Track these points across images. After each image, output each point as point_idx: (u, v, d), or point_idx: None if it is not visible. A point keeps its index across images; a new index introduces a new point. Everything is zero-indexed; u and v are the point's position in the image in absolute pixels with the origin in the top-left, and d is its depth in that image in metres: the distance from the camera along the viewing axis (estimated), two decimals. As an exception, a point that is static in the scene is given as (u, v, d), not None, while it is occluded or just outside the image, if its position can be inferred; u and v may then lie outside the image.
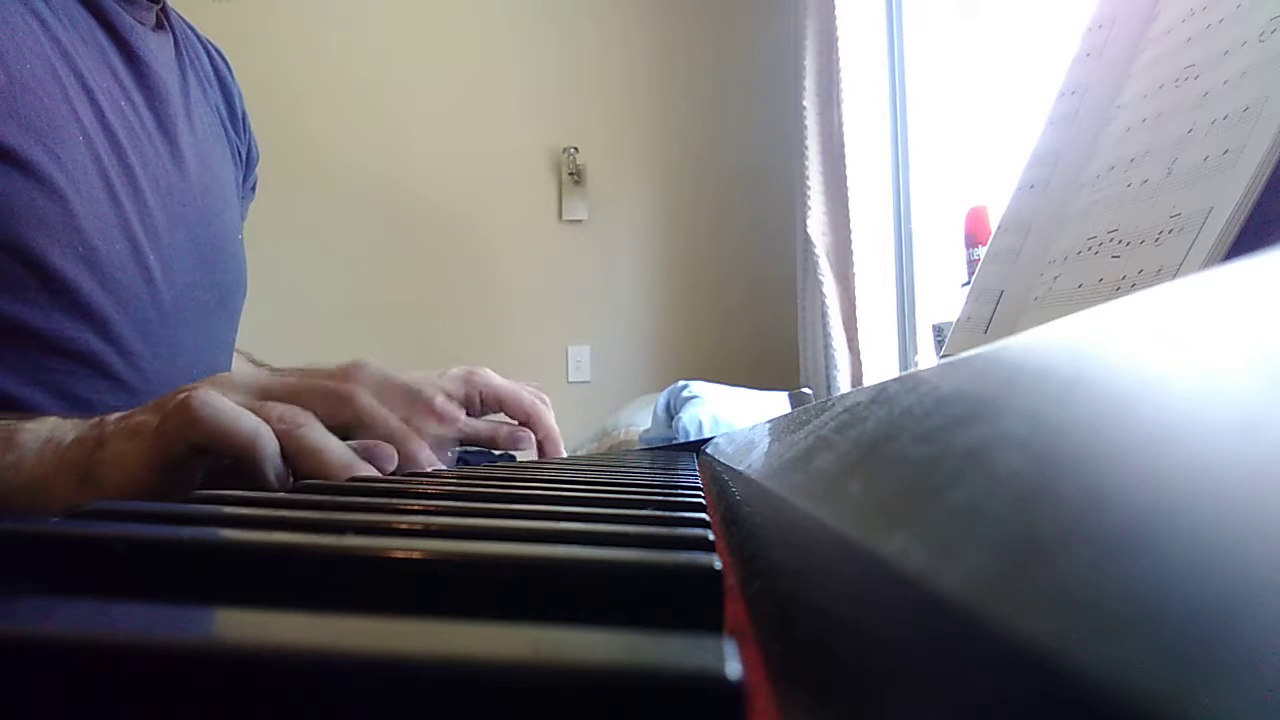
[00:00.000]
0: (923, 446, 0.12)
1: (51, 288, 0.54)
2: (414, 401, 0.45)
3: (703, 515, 0.22)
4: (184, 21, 0.74)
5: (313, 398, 0.42)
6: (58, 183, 0.54)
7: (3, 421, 0.43)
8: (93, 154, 0.57)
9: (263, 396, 0.41)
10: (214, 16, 0.73)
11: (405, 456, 0.43)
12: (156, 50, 0.66)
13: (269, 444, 0.38)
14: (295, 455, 0.39)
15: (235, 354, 0.77)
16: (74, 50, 0.58)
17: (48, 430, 0.42)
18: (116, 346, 0.57)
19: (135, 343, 0.59)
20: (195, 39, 0.76)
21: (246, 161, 0.83)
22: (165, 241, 0.62)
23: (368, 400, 0.43)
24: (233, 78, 0.81)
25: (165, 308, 0.62)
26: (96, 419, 0.43)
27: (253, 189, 0.87)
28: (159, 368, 0.61)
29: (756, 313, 2.48)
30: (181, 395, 0.38)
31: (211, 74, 0.77)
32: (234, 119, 0.80)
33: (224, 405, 0.38)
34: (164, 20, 0.69)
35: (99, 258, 0.56)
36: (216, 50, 0.80)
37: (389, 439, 0.42)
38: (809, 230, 2.06)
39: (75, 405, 0.55)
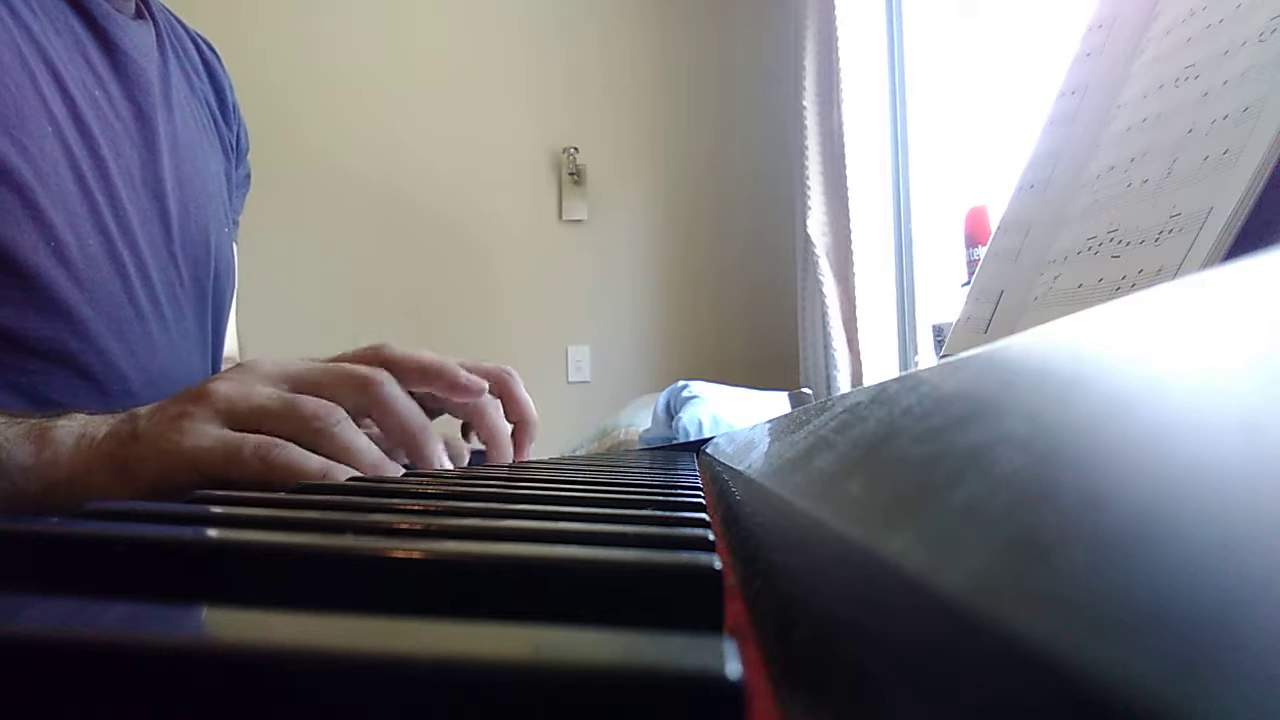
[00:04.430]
0: (923, 447, 0.12)
1: (22, 284, 0.52)
2: (439, 377, 0.47)
3: (703, 515, 0.22)
4: (169, 13, 0.72)
5: (339, 387, 0.44)
6: (23, 175, 0.52)
7: (33, 420, 0.44)
8: (63, 145, 0.55)
9: (292, 385, 0.44)
10: (211, 12, 0.72)
11: (418, 456, 0.44)
12: (135, 39, 0.64)
13: (341, 479, 0.40)
14: (329, 456, 0.42)
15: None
16: (45, 39, 0.56)
17: (79, 426, 0.43)
18: (91, 345, 0.56)
19: (110, 341, 0.57)
20: (182, 30, 0.74)
21: (237, 150, 0.80)
22: (141, 236, 0.60)
23: (341, 436, 0.43)
24: (222, 68, 0.79)
25: (141, 304, 0.60)
26: (126, 413, 0.44)
27: (247, 178, 0.84)
28: (136, 366, 0.59)
29: (756, 313, 2.48)
30: (264, 444, 0.41)
31: (199, 65, 0.75)
32: (224, 110, 0.78)
33: (297, 457, 0.41)
34: (144, 9, 0.67)
35: (70, 253, 0.54)
36: (205, 41, 0.78)
37: (404, 437, 0.43)
38: (809, 230, 2.06)
39: (48, 407, 0.54)
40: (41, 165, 0.53)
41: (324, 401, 0.43)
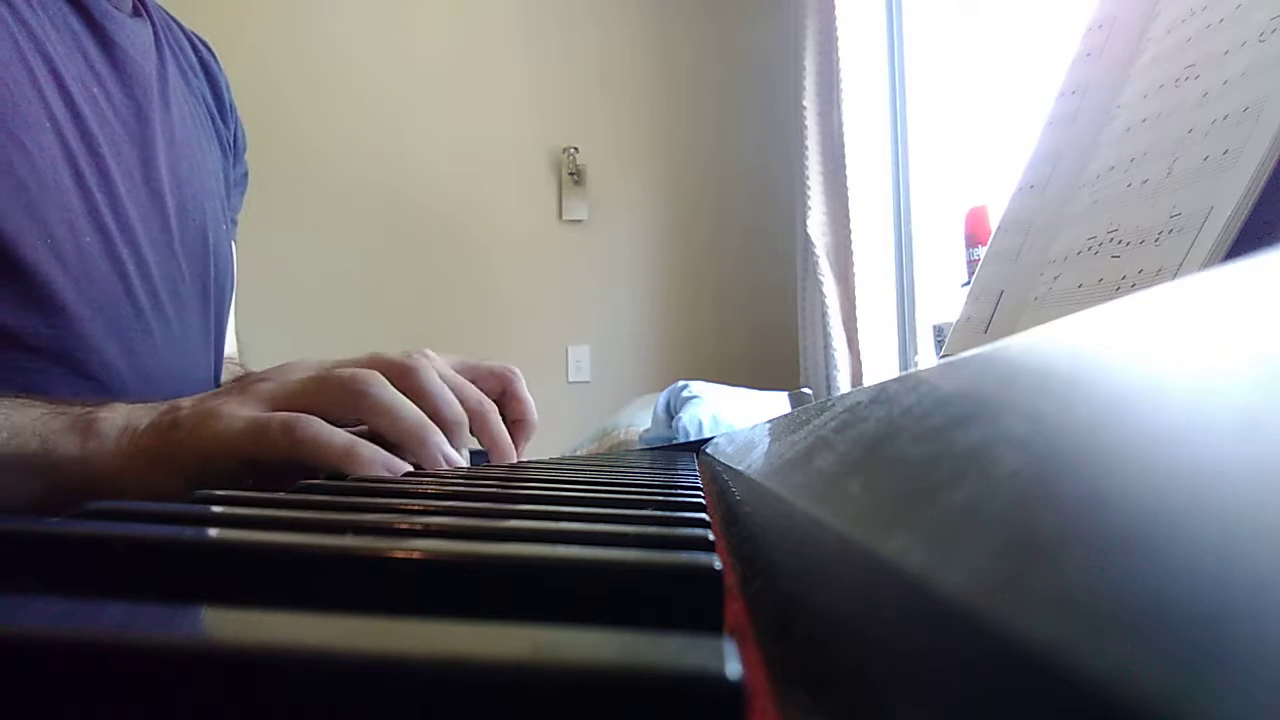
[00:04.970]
0: (922, 446, 0.12)
1: (18, 281, 0.52)
2: (454, 395, 0.48)
3: (703, 515, 0.22)
4: (165, 12, 0.72)
5: (322, 396, 0.44)
6: (21, 172, 0.52)
7: (77, 411, 0.44)
8: (61, 143, 0.55)
9: (271, 404, 0.44)
10: (209, 11, 0.71)
11: (420, 453, 0.45)
12: (133, 36, 0.64)
13: (365, 454, 0.41)
14: (367, 419, 0.43)
15: (226, 361, 0.75)
16: (44, 35, 0.56)
17: (122, 419, 0.44)
18: (87, 343, 0.55)
19: (107, 339, 0.57)
20: (178, 29, 0.74)
21: (234, 149, 0.80)
22: (141, 233, 0.60)
23: (383, 396, 0.44)
24: (219, 67, 0.79)
25: (141, 303, 0.60)
26: (168, 404, 0.45)
27: (244, 177, 0.84)
28: (134, 365, 0.59)
29: (756, 313, 2.48)
30: (290, 419, 0.41)
31: (196, 64, 0.75)
32: (222, 108, 0.78)
33: (322, 431, 0.41)
34: (141, 7, 0.67)
35: (66, 250, 0.54)
36: (201, 40, 0.78)
37: (401, 436, 0.43)
38: (809, 230, 2.06)
39: None
40: (39, 162, 0.53)
41: (359, 369, 0.44)
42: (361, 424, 0.44)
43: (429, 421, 0.44)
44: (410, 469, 0.43)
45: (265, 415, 0.42)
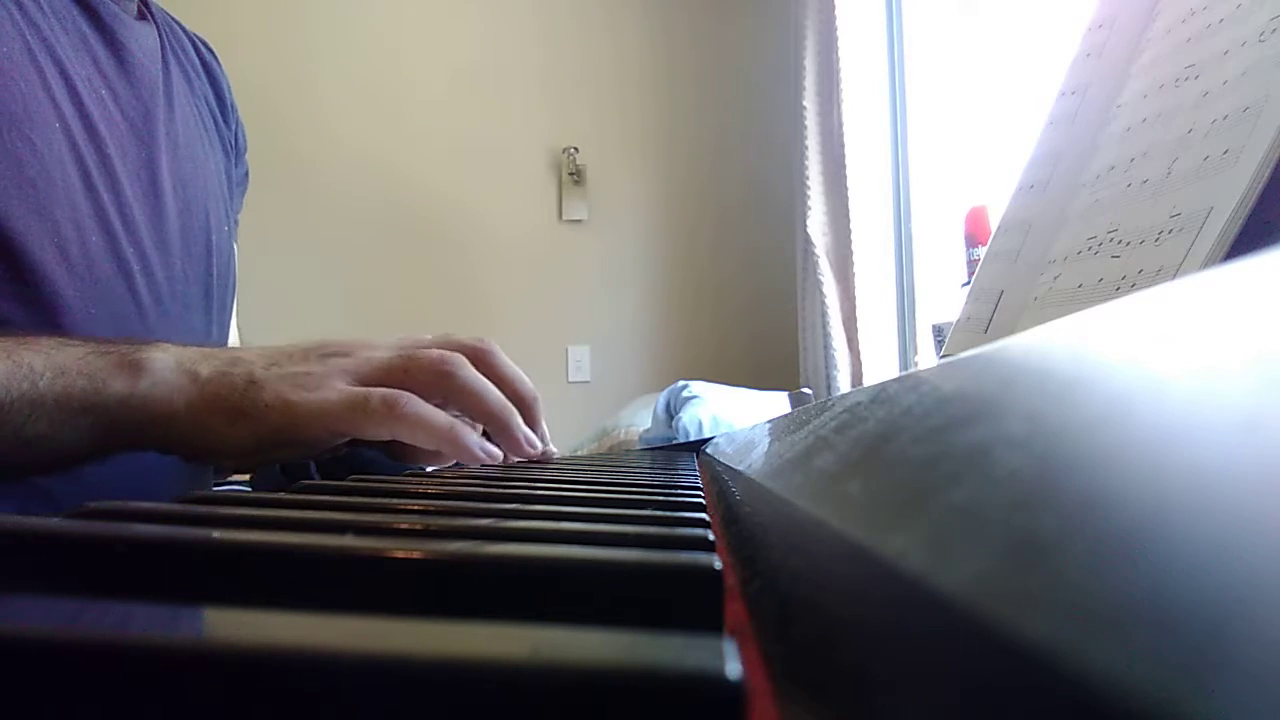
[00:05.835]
0: (922, 447, 0.12)
1: (24, 280, 0.52)
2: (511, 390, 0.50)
3: (703, 515, 0.22)
4: (166, 13, 0.73)
5: (410, 376, 0.45)
6: (30, 171, 0.52)
7: (118, 349, 0.44)
8: (70, 143, 0.55)
9: (358, 379, 0.45)
10: (206, 10, 0.71)
11: (505, 434, 0.47)
12: (140, 39, 0.65)
13: (466, 435, 0.44)
14: (454, 399, 0.45)
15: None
16: (53, 37, 0.56)
17: (174, 358, 0.44)
18: None
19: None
20: (180, 30, 0.75)
21: (236, 150, 0.81)
22: (144, 234, 0.61)
23: (471, 378, 0.45)
24: (220, 68, 0.79)
25: (144, 303, 0.60)
26: (223, 355, 0.45)
27: (245, 176, 0.85)
28: None
29: (757, 313, 2.48)
30: (390, 395, 0.43)
31: (199, 65, 0.75)
32: (223, 109, 0.79)
33: (425, 409, 0.43)
34: (146, 10, 0.68)
35: (72, 251, 0.54)
36: (202, 42, 0.78)
37: (487, 417, 0.45)
38: (809, 230, 2.06)
39: None
40: (48, 162, 0.53)
41: (444, 350, 0.46)
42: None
43: (510, 405, 0.46)
44: (499, 453, 0.45)
45: (363, 390, 0.43)
